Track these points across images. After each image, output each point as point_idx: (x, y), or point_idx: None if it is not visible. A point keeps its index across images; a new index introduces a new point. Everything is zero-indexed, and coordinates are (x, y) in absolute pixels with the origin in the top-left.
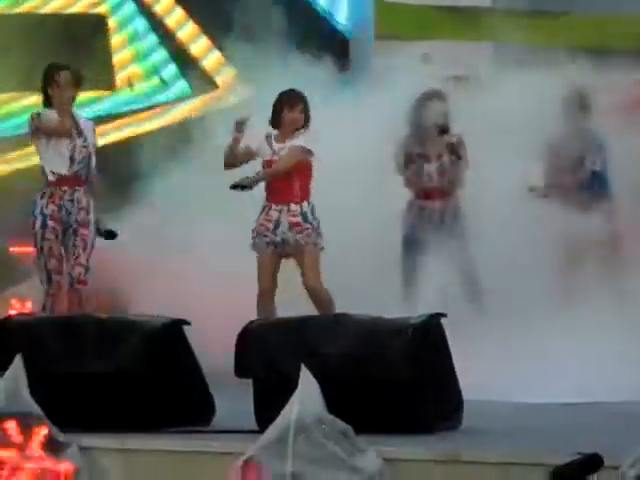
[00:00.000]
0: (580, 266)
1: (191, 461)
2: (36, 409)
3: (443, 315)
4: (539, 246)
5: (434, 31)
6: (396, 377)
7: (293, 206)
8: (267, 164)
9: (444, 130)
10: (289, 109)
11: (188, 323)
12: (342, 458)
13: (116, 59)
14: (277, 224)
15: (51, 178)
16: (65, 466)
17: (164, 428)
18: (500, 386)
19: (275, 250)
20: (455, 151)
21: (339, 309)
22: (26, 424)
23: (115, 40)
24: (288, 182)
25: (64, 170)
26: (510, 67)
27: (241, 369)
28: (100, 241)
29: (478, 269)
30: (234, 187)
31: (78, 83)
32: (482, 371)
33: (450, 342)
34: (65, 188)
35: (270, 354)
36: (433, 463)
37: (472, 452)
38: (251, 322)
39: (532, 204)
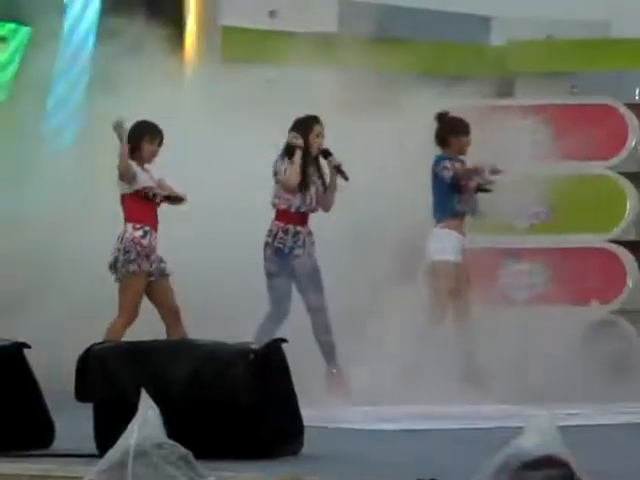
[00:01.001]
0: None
1: None
2: None
3: (284, 340)
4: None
5: (280, 56)
6: (237, 401)
7: None
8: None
9: (328, 153)
10: (150, 142)
11: (28, 346)
12: None
13: None
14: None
15: None
16: None
17: (3, 452)
18: (342, 412)
19: None
20: (341, 173)
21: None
22: None
23: None
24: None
25: None
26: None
27: (81, 392)
28: None
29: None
30: None
31: None
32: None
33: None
34: None
35: (111, 378)
36: None
37: (312, 477)
38: (92, 345)
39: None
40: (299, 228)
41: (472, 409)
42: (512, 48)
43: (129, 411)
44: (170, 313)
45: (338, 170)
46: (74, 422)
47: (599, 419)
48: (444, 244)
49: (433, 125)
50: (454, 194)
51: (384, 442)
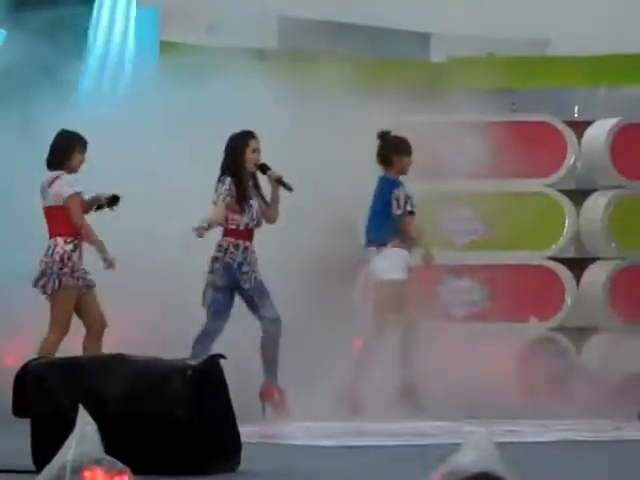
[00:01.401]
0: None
1: None
2: None
3: (222, 356)
4: None
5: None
6: (174, 417)
7: None
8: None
9: (266, 168)
10: (80, 152)
11: None
12: None
13: None
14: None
15: None
16: None
17: None
18: (280, 428)
19: None
20: (283, 184)
21: None
22: None
23: None
24: None
25: None
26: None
27: (19, 408)
28: None
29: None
30: None
31: None
32: None
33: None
34: None
35: (47, 394)
36: None
37: None
38: (29, 361)
39: None
40: (247, 244)
41: (409, 426)
42: (452, 65)
43: (66, 427)
44: (97, 325)
45: (279, 182)
46: (11, 438)
47: (537, 436)
48: (393, 262)
49: (375, 143)
50: None
51: (323, 458)
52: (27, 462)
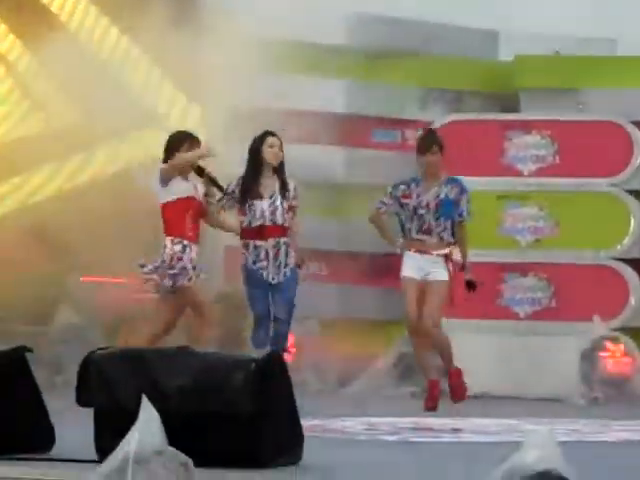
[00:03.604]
0: None
1: None
2: None
3: (285, 350)
4: None
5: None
6: (237, 412)
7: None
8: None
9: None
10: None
11: (30, 350)
12: None
13: None
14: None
15: None
16: None
17: (3, 455)
18: (341, 423)
19: None
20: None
21: None
22: None
23: None
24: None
25: None
26: None
27: (82, 398)
28: None
29: None
30: None
31: None
32: None
33: None
34: None
35: (111, 384)
36: None
37: None
38: (93, 351)
39: None
40: (257, 242)
41: (471, 423)
42: (519, 63)
43: (129, 418)
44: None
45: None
46: (75, 427)
47: (599, 436)
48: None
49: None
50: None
51: (384, 453)
52: (90, 452)
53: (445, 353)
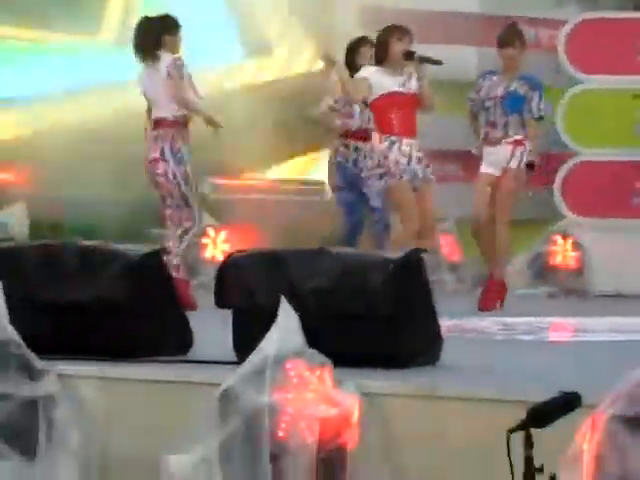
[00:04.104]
0: None
1: (170, 391)
2: (14, 336)
3: (424, 250)
4: None
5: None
6: (375, 312)
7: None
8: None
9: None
10: (398, 40)
11: (167, 252)
12: (321, 390)
13: None
14: (410, 159)
15: None
16: (43, 392)
17: (143, 357)
18: (478, 323)
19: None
20: (428, 60)
21: None
22: (4, 351)
23: None
24: (414, 117)
25: None
26: None
27: (220, 300)
28: None
29: None
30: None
31: None
32: None
33: None
34: None
35: (249, 286)
36: (411, 398)
37: (450, 388)
38: (230, 254)
39: None
40: (359, 144)
41: (609, 322)
42: None
43: (268, 319)
44: (423, 220)
45: (424, 60)
46: (213, 329)
47: None
48: None
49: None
50: None
51: (523, 353)
52: (229, 353)
53: (501, 255)
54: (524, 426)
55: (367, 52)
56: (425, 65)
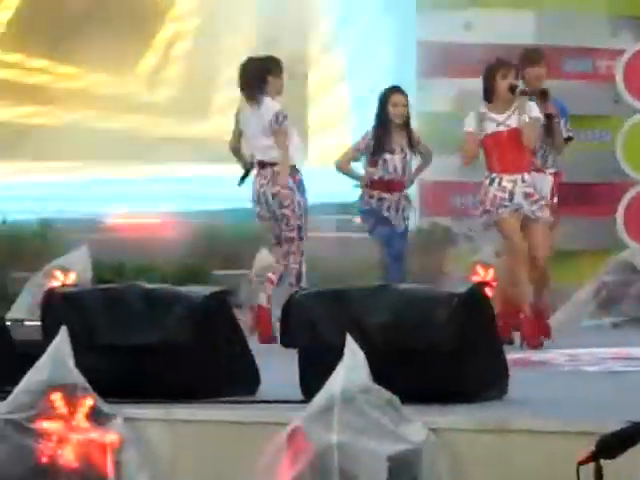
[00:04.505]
0: None
1: (237, 431)
2: (81, 380)
3: (487, 284)
4: None
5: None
6: (441, 347)
7: (526, 176)
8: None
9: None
10: (502, 77)
11: (231, 293)
12: (388, 428)
13: None
14: (512, 195)
15: None
16: (111, 437)
17: (209, 398)
18: (542, 355)
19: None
20: (414, 145)
21: None
22: (72, 395)
23: None
24: (516, 153)
25: None
26: None
27: (286, 339)
28: None
29: None
30: None
31: None
32: None
33: None
34: None
35: (314, 324)
36: (479, 432)
37: (518, 421)
38: (295, 292)
39: None
40: (384, 195)
41: None
42: None
43: (333, 357)
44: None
45: (524, 93)
46: (280, 369)
47: None
48: None
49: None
50: None
51: (588, 384)
52: (296, 393)
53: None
54: (594, 458)
55: None
56: (525, 99)
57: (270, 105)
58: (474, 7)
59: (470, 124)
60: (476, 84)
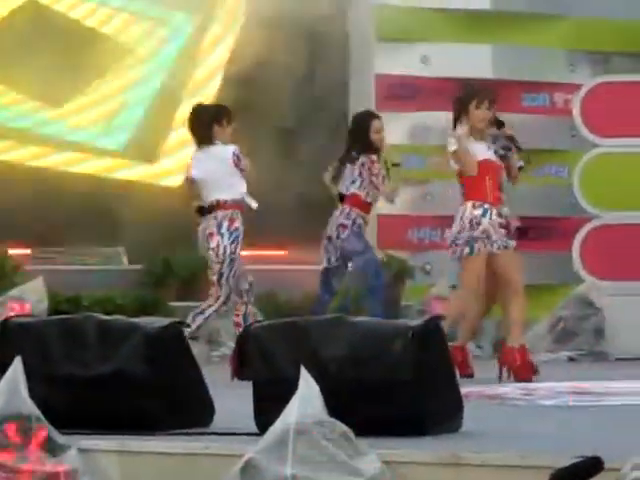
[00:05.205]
0: None
1: (191, 463)
2: (35, 411)
3: (442, 318)
4: None
5: (433, 34)
6: (396, 379)
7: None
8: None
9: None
10: (475, 107)
11: (188, 325)
12: (343, 461)
13: None
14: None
15: None
16: (64, 468)
17: (164, 430)
18: (499, 388)
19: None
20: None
21: None
22: (26, 426)
23: None
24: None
25: None
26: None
27: (241, 371)
28: None
29: None
30: None
31: None
32: None
33: None
34: None
35: (270, 356)
36: (434, 466)
37: (473, 455)
38: (250, 324)
39: None
40: (367, 217)
41: (628, 386)
42: None
43: (288, 389)
44: (507, 286)
45: (510, 139)
46: (233, 401)
47: None
48: None
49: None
50: None
51: (543, 418)
52: (250, 425)
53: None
54: None
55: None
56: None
57: (225, 146)
58: (431, 41)
59: (455, 144)
60: (433, 117)
